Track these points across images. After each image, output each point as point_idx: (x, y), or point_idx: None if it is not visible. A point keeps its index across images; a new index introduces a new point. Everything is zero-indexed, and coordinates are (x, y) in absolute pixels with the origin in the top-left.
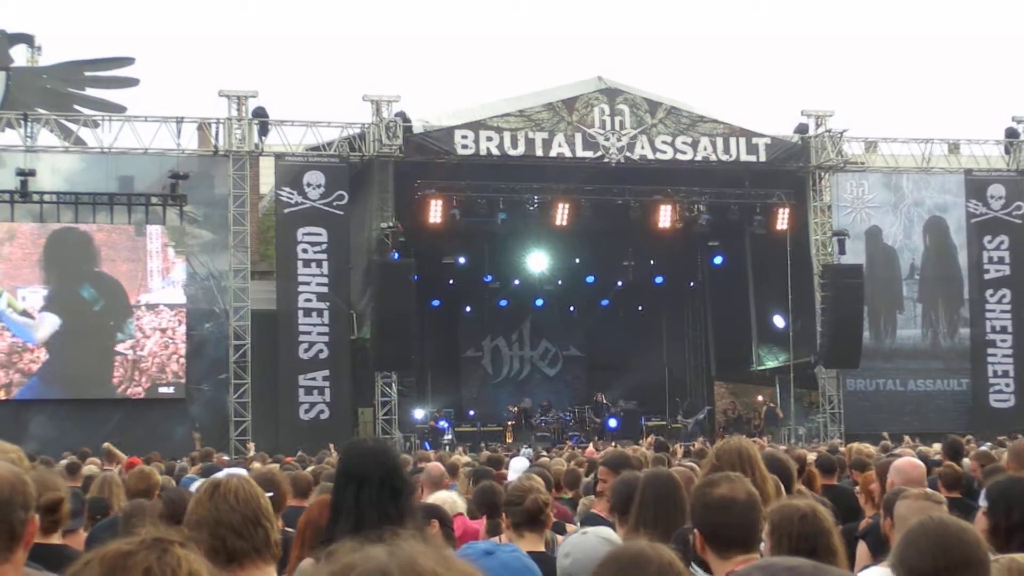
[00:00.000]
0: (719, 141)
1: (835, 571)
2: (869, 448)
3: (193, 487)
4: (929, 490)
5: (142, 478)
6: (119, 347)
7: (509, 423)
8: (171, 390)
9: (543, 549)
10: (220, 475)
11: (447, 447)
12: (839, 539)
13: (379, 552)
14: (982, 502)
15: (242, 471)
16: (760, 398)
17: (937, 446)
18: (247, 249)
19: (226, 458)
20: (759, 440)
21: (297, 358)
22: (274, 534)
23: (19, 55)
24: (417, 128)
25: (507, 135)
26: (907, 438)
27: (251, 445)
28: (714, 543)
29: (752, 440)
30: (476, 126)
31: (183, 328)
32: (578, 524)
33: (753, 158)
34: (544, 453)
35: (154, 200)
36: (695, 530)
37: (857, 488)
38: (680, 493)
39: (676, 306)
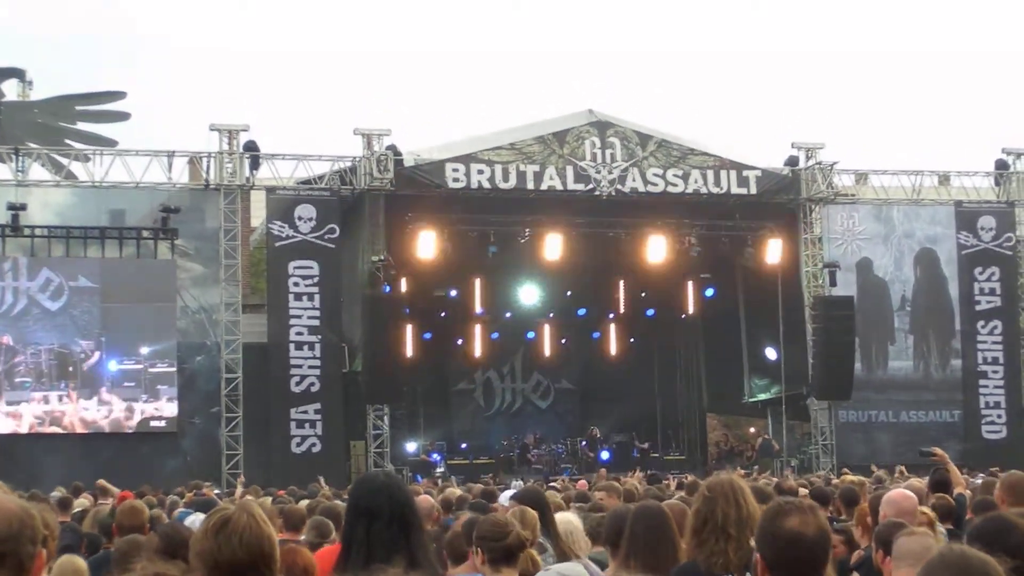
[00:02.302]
0: (710, 173)
1: None
2: (852, 477)
3: (188, 520)
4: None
5: (132, 513)
6: None
7: (502, 456)
8: (162, 424)
9: None
10: (232, 509)
11: (439, 480)
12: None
13: None
14: None
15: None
16: (752, 430)
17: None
18: (238, 282)
19: (216, 491)
20: (760, 474)
21: (289, 391)
22: None
23: (10, 89)
24: (408, 161)
25: (498, 168)
26: (901, 469)
27: (241, 479)
28: (775, 574)
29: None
30: (467, 159)
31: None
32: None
33: (744, 190)
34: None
35: (145, 234)
36: (758, 555)
37: (852, 522)
38: (670, 525)
39: (668, 338)
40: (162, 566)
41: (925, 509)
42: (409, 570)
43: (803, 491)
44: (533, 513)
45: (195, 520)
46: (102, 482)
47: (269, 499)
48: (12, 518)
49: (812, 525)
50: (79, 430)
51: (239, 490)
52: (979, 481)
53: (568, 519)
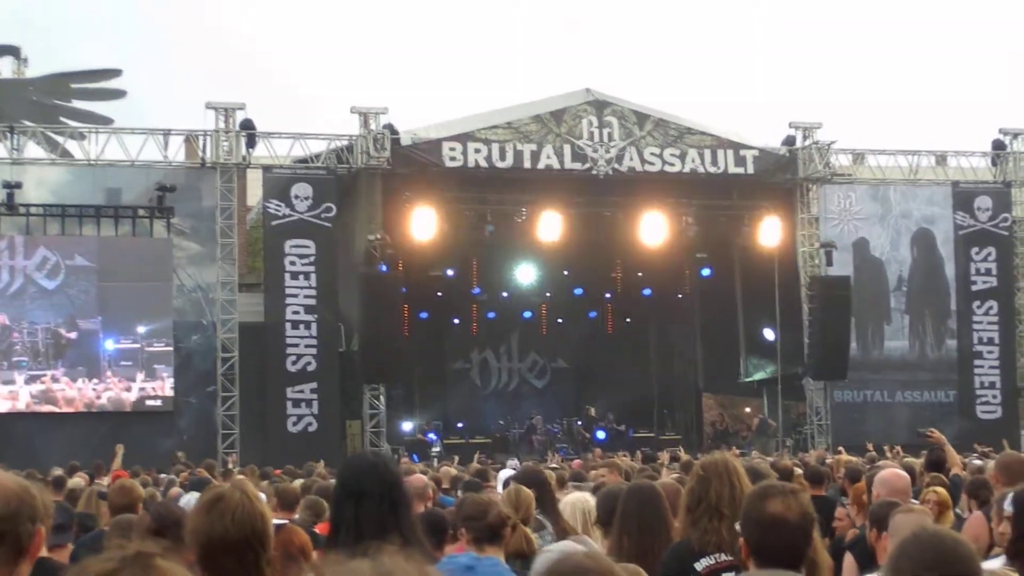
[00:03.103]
0: (707, 153)
1: None
2: (847, 458)
3: (183, 501)
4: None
5: (124, 492)
6: None
7: (498, 435)
8: (158, 403)
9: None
10: (226, 487)
11: (436, 459)
12: (822, 549)
13: (361, 565)
14: (1007, 507)
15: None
16: (748, 410)
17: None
18: (235, 261)
19: (221, 470)
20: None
21: (285, 370)
22: (264, 557)
23: (5, 67)
24: (405, 140)
25: (495, 147)
26: (897, 449)
27: (234, 458)
28: (758, 557)
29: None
30: (464, 138)
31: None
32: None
33: (741, 170)
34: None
35: (141, 212)
36: (742, 538)
37: (849, 500)
38: (663, 504)
39: (664, 318)
40: (141, 544)
41: (939, 489)
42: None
43: (798, 471)
44: (528, 492)
45: (190, 500)
46: (120, 447)
47: (265, 482)
48: (11, 496)
49: (795, 509)
50: (75, 409)
51: (233, 469)
52: (976, 462)
53: (584, 498)
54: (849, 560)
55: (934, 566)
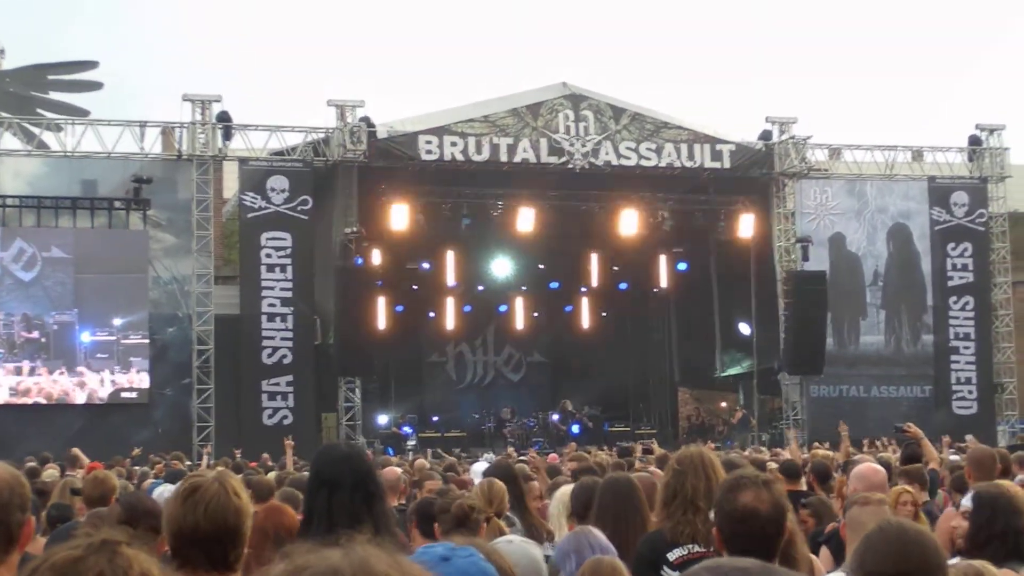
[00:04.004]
0: (683, 147)
1: (784, 571)
2: (823, 452)
3: (156, 492)
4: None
5: (97, 484)
6: None
7: (473, 429)
8: (134, 395)
9: None
10: (205, 477)
11: (410, 453)
12: (802, 543)
13: (333, 553)
14: (966, 503)
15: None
16: (724, 404)
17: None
18: (211, 254)
19: (188, 463)
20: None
21: (261, 363)
22: (234, 553)
23: None
24: (381, 133)
25: (472, 140)
26: (882, 440)
27: (208, 450)
28: (730, 548)
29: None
30: (441, 131)
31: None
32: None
33: (717, 164)
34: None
35: (117, 204)
36: (715, 528)
37: (833, 495)
38: (639, 496)
39: (640, 312)
40: (109, 532)
41: (909, 489)
42: (355, 537)
43: (772, 465)
44: (501, 485)
45: (164, 492)
46: (75, 451)
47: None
48: (3, 486)
49: (767, 501)
50: (51, 401)
51: (204, 461)
52: (953, 457)
53: (567, 492)
54: (825, 553)
55: (899, 559)
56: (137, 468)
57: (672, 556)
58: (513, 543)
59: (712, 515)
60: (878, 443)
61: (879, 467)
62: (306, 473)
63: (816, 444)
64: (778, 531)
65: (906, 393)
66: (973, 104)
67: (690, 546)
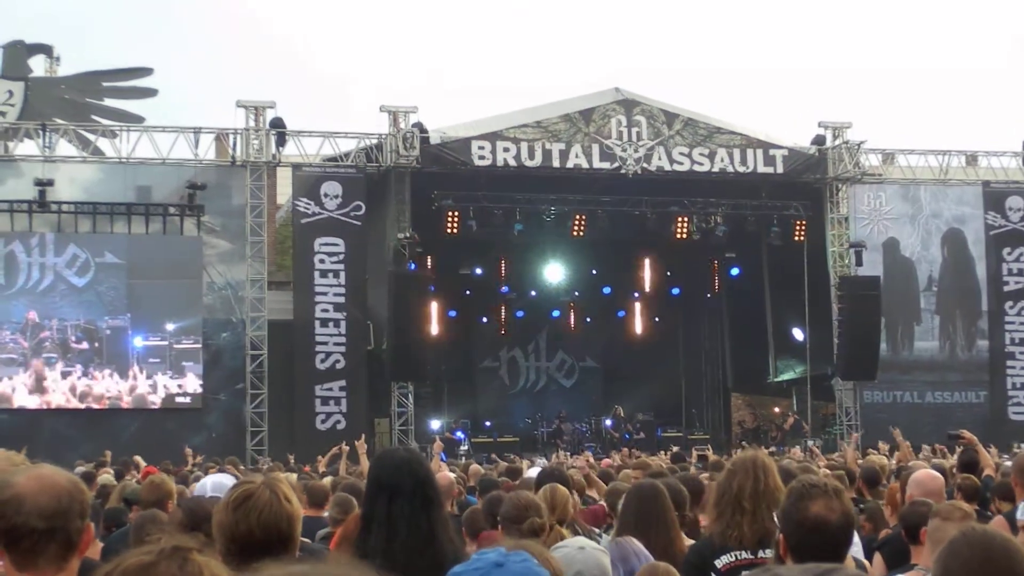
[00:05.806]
0: (736, 152)
1: (846, 570)
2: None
3: (200, 484)
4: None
5: (154, 488)
6: None
7: (526, 434)
8: (187, 400)
9: None
10: (256, 484)
11: (463, 458)
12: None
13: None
14: (1020, 516)
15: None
16: (777, 410)
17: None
18: (264, 259)
19: (241, 467)
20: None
21: (314, 368)
22: (288, 556)
23: (38, 66)
24: (434, 139)
25: (524, 146)
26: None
27: (264, 460)
28: (796, 557)
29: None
30: (493, 137)
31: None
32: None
33: (770, 169)
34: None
35: (172, 210)
36: (781, 535)
37: (883, 501)
38: (664, 503)
39: (693, 317)
40: (180, 538)
41: (963, 504)
42: (430, 544)
43: (826, 472)
44: (564, 491)
45: (206, 483)
46: (137, 458)
47: (294, 475)
48: (62, 493)
49: (837, 510)
50: (104, 406)
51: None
52: (1008, 463)
53: None
54: (878, 559)
55: (985, 565)
56: (190, 472)
57: (719, 563)
58: (585, 550)
59: (757, 518)
60: (938, 448)
61: (936, 473)
62: (349, 477)
63: (870, 450)
64: (847, 540)
65: (961, 399)
66: None
67: (737, 552)
